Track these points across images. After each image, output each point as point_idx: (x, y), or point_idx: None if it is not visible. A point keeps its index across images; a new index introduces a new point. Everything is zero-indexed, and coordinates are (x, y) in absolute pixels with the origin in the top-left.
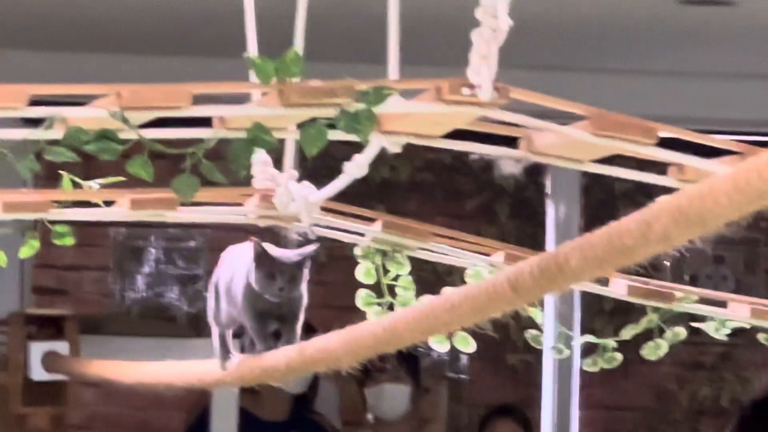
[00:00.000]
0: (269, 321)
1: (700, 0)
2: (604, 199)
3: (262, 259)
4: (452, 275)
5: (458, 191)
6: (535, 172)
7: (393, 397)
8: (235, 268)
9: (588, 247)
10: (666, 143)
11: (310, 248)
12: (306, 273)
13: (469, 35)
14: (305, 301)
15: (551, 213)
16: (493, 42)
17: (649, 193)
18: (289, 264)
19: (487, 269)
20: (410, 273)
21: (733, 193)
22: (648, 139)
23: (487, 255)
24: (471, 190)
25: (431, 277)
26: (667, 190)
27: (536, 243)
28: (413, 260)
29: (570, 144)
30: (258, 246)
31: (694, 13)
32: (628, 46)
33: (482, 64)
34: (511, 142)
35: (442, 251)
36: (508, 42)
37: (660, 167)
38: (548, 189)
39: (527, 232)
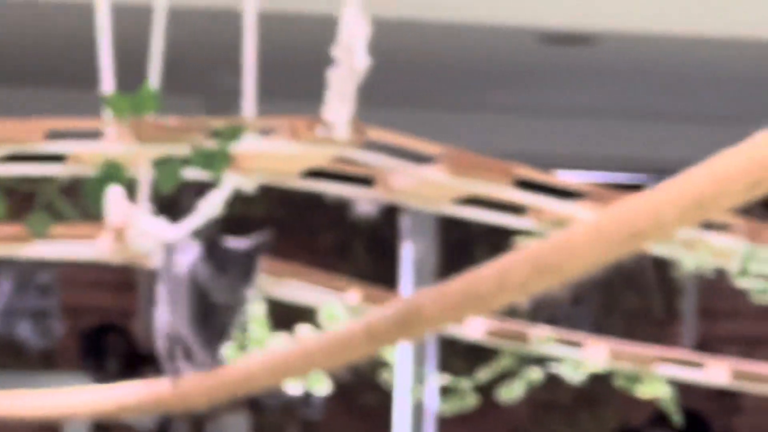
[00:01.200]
0: (214, 327)
1: (560, 39)
2: (460, 238)
3: (213, 249)
4: (308, 311)
5: (314, 228)
6: (391, 210)
7: (232, 428)
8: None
9: (444, 295)
10: (525, 183)
11: (264, 236)
12: (258, 268)
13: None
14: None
15: (407, 251)
16: (350, 80)
17: (506, 232)
18: (243, 254)
19: (341, 308)
20: (266, 307)
21: (591, 244)
22: (505, 179)
23: (342, 293)
24: (327, 227)
25: (286, 312)
26: (527, 231)
27: (391, 281)
28: (269, 298)
29: (426, 184)
30: (210, 234)
31: (555, 52)
32: (491, 84)
33: (338, 103)
34: (368, 181)
35: (297, 290)
36: (370, 79)
37: (519, 208)
38: (404, 227)
39: (382, 270)
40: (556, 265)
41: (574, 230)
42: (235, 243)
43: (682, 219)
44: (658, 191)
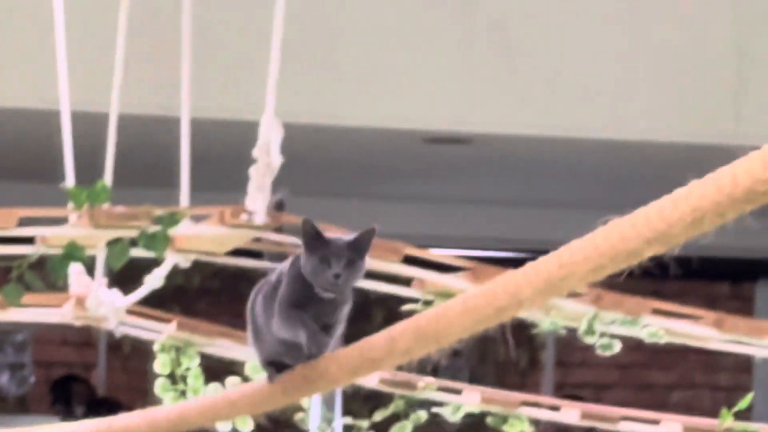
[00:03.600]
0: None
1: (441, 139)
2: (359, 302)
3: (313, 239)
4: (236, 366)
5: (242, 295)
6: None
7: None
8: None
9: (344, 358)
10: (411, 260)
11: (371, 229)
12: (365, 261)
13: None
14: (349, 306)
15: None
16: (267, 175)
17: (398, 299)
18: (347, 245)
19: None
20: (200, 364)
21: (463, 317)
22: (394, 257)
23: None
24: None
25: (218, 366)
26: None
27: None
28: (203, 354)
29: None
30: (308, 224)
31: (437, 149)
32: (385, 177)
33: (258, 194)
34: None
35: (227, 347)
36: (285, 171)
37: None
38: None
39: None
40: (435, 335)
41: (449, 305)
42: (337, 236)
43: (536, 298)
44: (517, 274)
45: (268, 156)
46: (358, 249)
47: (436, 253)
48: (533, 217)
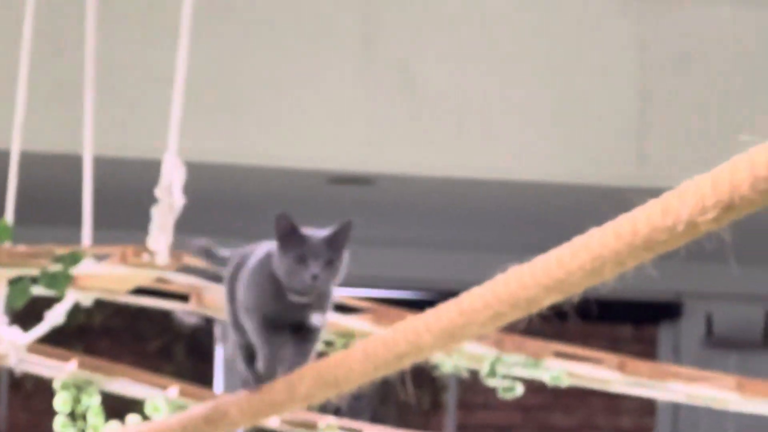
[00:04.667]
0: (280, 331)
1: (345, 179)
2: None
3: (288, 235)
4: (137, 404)
5: (142, 334)
6: (207, 319)
7: None
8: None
9: (246, 401)
10: None
11: (347, 222)
12: (345, 258)
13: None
14: (331, 302)
15: (220, 353)
16: (169, 215)
17: None
18: (325, 242)
19: (164, 402)
20: (100, 402)
21: (363, 363)
22: None
23: (165, 389)
24: (153, 334)
25: (119, 404)
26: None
27: (208, 379)
28: (104, 392)
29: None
30: (283, 218)
31: (340, 190)
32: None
33: (160, 234)
34: (185, 297)
35: (127, 386)
36: (189, 210)
37: None
38: (217, 333)
39: (200, 370)
40: (335, 380)
41: (350, 351)
42: (314, 231)
43: (436, 345)
44: (418, 320)
45: (170, 196)
46: (336, 246)
47: (337, 294)
48: (437, 258)
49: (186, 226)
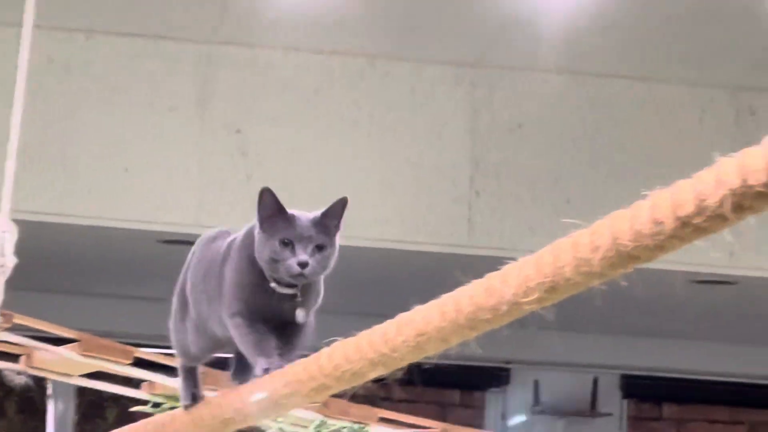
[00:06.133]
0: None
1: (178, 240)
2: (94, 399)
3: (272, 215)
4: None
5: None
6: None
7: None
8: (211, 261)
9: None
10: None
11: (339, 201)
12: (336, 243)
13: None
14: (321, 296)
15: (51, 410)
16: (0, 276)
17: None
18: (314, 224)
19: None
20: None
21: (190, 426)
22: (126, 359)
23: None
24: None
25: None
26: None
27: None
28: None
29: (63, 361)
30: (267, 194)
31: (173, 250)
32: (120, 276)
33: None
34: (16, 356)
35: None
36: (22, 267)
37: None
38: (49, 390)
39: (31, 426)
40: None
41: (176, 414)
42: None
43: (260, 413)
44: (243, 388)
45: (2, 256)
46: (327, 229)
47: (167, 355)
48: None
49: (19, 282)
